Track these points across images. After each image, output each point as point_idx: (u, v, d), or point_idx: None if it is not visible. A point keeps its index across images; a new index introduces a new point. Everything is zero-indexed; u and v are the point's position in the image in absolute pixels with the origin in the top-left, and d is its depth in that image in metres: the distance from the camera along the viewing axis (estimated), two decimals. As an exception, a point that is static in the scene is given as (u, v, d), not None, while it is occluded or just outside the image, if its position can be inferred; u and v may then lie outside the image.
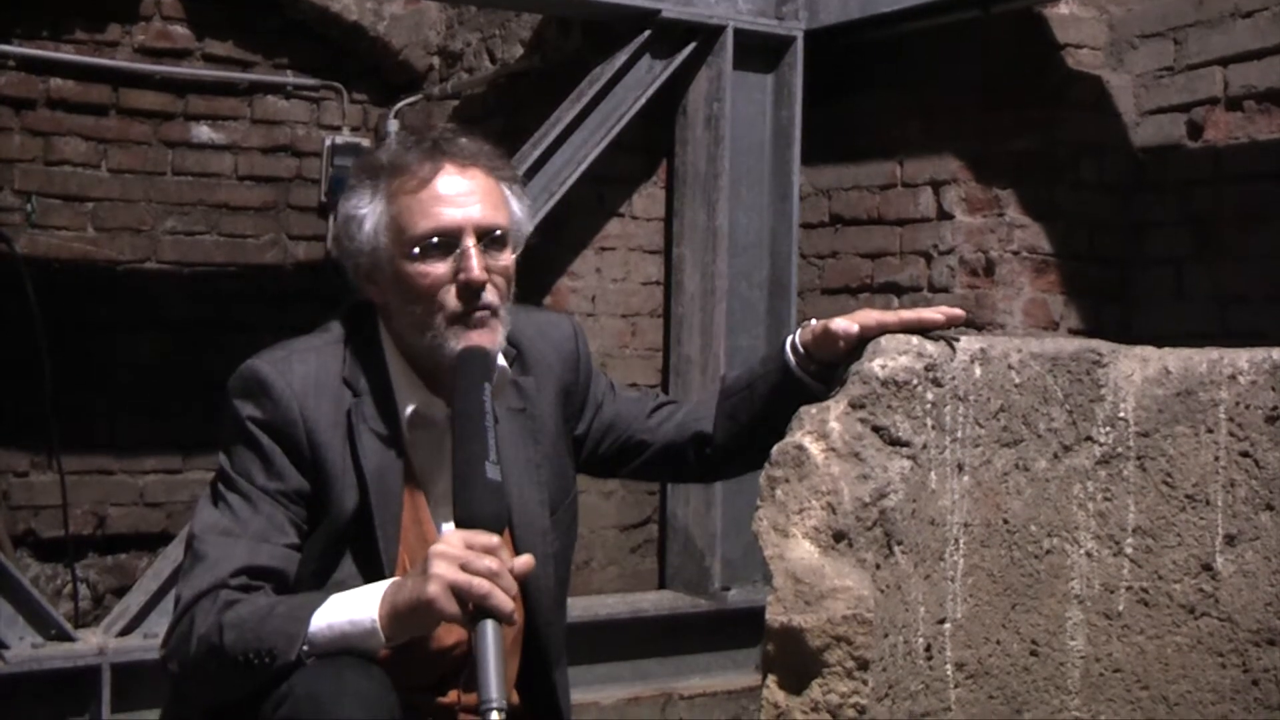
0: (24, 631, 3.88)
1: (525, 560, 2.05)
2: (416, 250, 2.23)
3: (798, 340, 2.38)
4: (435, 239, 2.23)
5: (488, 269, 2.24)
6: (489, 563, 1.95)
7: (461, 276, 2.22)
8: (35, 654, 3.86)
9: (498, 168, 2.33)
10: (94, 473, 5.81)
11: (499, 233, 2.27)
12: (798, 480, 2.05)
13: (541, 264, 4.95)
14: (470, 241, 2.23)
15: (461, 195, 2.25)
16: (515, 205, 2.34)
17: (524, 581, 2.25)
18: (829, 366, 2.32)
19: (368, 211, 2.27)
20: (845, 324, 2.24)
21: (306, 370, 2.25)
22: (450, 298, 2.23)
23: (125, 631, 4.01)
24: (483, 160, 2.30)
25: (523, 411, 2.39)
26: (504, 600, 1.94)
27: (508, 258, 2.30)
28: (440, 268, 2.23)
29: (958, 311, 2.21)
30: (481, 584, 1.93)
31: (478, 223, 2.24)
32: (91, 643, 3.95)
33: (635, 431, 2.57)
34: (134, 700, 3.90)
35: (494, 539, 1.99)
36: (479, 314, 2.24)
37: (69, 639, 3.93)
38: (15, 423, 5.50)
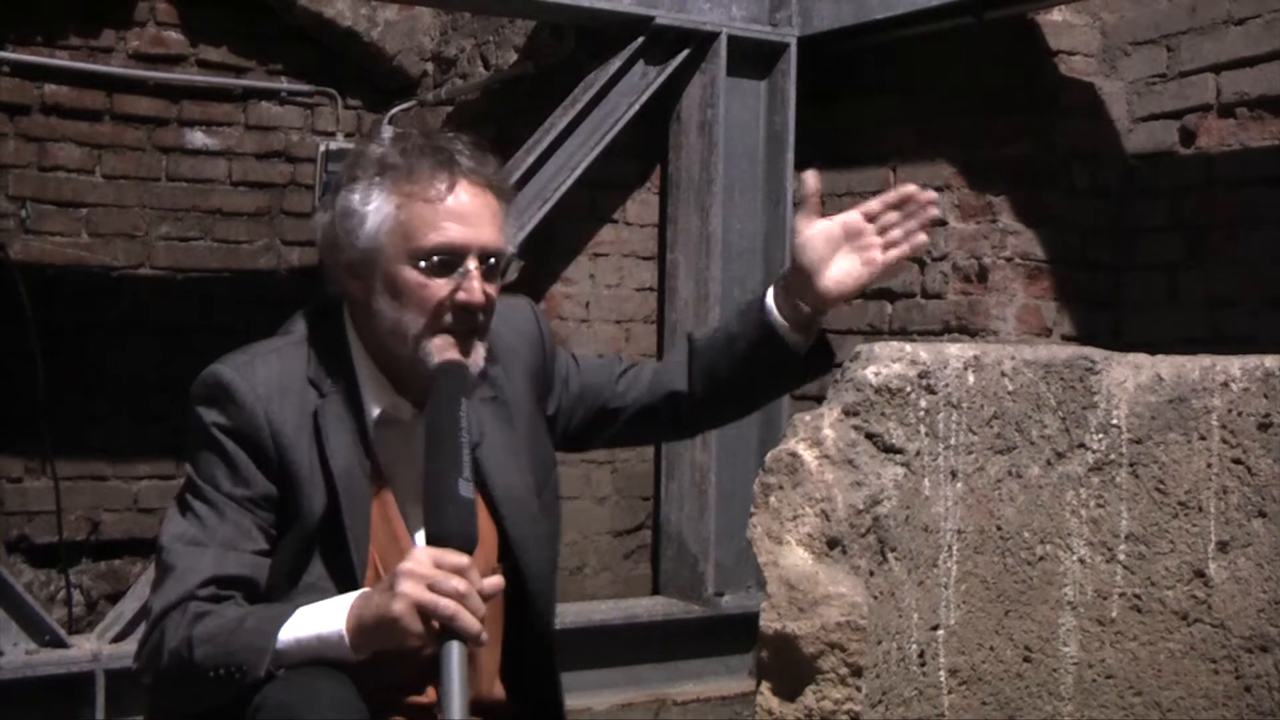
0: (18, 638, 3.87)
1: (494, 581, 2.04)
2: (421, 262, 2.22)
3: (770, 302, 2.41)
4: (442, 255, 2.22)
5: (484, 292, 2.24)
6: (457, 583, 1.94)
7: (461, 296, 2.21)
8: (29, 660, 3.86)
9: (502, 190, 2.33)
10: (88, 478, 5.80)
11: (498, 259, 2.27)
12: (791, 487, 2.06)
13: (535, 269, 4.95)
14: (474, 264, 2.23)
15: (472, 215, 2.24)
16: (509, 230, 2.34)
17: (520, 566, 2.30)
18: (810, 315, 2.37)
19: (371, 210, 2.25)
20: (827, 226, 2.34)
21: (270, 373, 2.24)
22: (445, 314, 2.23)
23: (119, 638, 4.01)
24: (493, 181, 2.30)
25: (495, 400, 2.38)
26: (470, 622, 1.93)
27: (498, 286, 2.30)
28: (440, 283, 2.22)
29: (931, 194, 2.24)
30: (448, 605, 1.93)
31: (484, 245, 2.24)
32: (85, 649, 3.95)
33: (605, 400, 2.56)
34: (128, 706, 3.89)
35: (464, 559, 1.98)
36: (469, 338, 2.24)
37: (63, 645, 3.93)
38: (9, 428, 5.49)
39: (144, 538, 5.86)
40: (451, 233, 2.22)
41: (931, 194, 2.31)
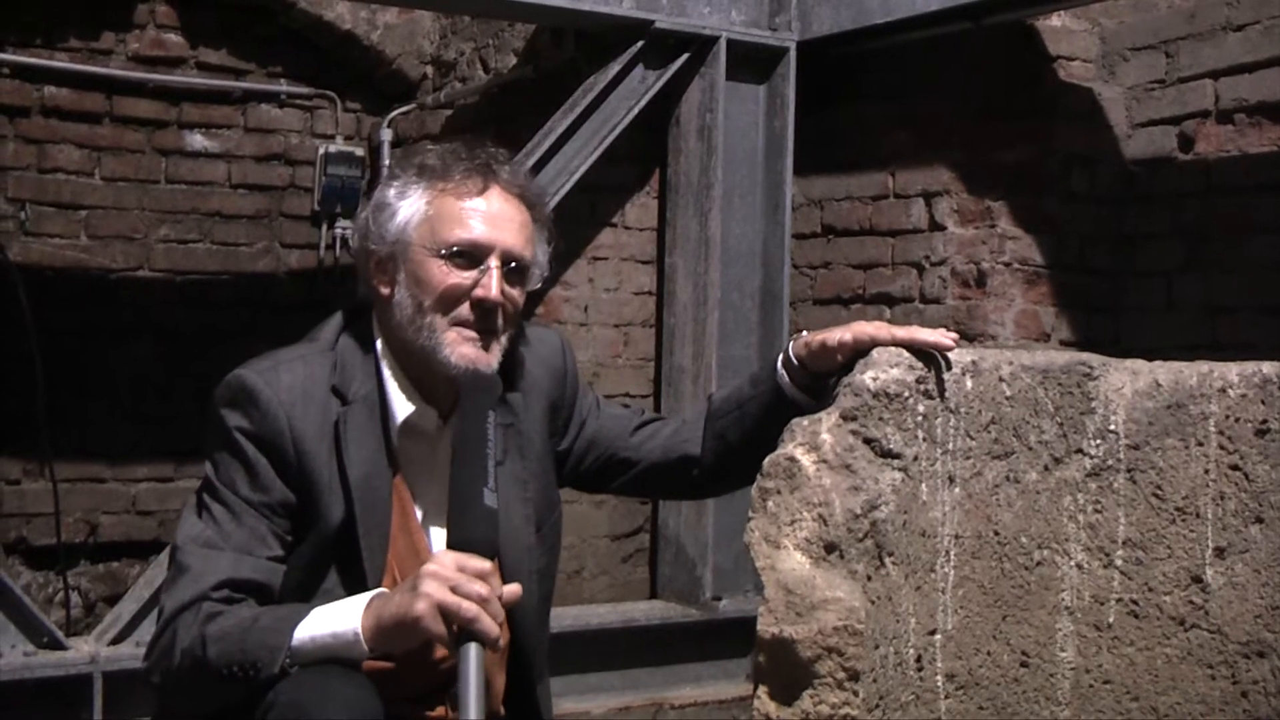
0: (15, 639, 3.87)
1: (514, 589, 2.07)
2: (444, 254, 2.25)
3: (790, 354, 2.39)
4: (465, 249, 2.26)
5: (503, 293, 2.26)
6: (479, 588, 1.97)
7: (478, 292, 2.25)
8: (27, 662, 3.86)
9: (536, 206, 2.37)
10: (86, 480, 5.80)
11: (520, 264, 2.30)
12: (789, 492, 2.06)
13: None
14: (495, 263, 2.26)
15: (500, 218, 2.28)
16: (540, 248, 2.37)
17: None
18: (822, 378, 2.33)
19: (403, 205, 2.29)
20: (841, 335, 2.25)
21: (294, 380, 2.26)
22: (463, 308, 2.26)
23: (117, 640, 4.00)
24: (527, 194, 2.35)
25: (510, 427, 2.39)
26: (490, 626, 1.96)
27: (521, 292, 2.33)
28: (461, 276, 2.25)
29: (948, 342, 2.21)
30: (470, 608, 1.95)
31: (507, 247, 2.28)
32: (83, 651, 3.94)
33: (618, 449, 2.57)
34: (125, 709, 3.89)
35: (486, 564, 2.01)
36: (485, 336, 2.26)
37: (61, 647, 3.93)
38: (8, 430, 5.49)
39: (142, 540, 5.87)
40: (477, 231, 2.26)
41: (949, 343, 2.27)
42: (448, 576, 1.97)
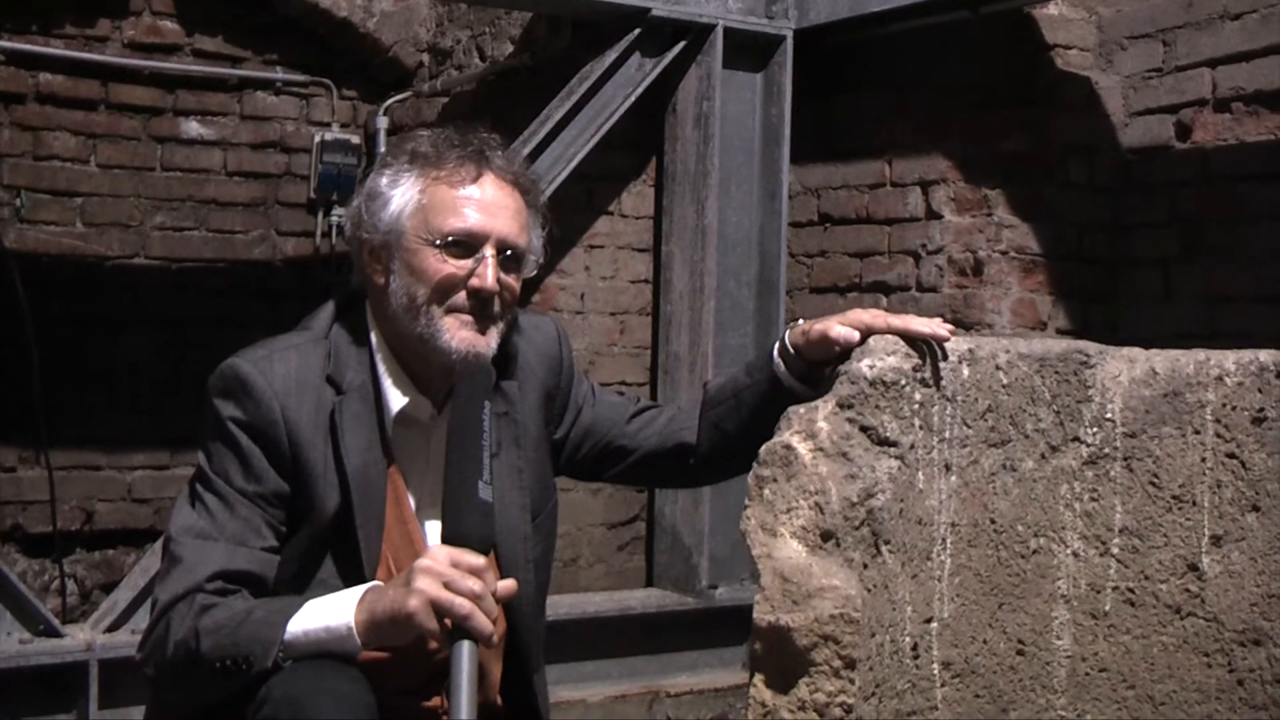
0: (11, 627, 3.87)
1: (508, 585, 2.06)
2: (439, 244, 2.25)
3: (788, 342, 2.38)
4: (460, 239, 2.25)
5: (498, 282, 2.26)
6: (473, 584, 1.96)
7: (474, 282, 2.24)
8: (22, 650, 3.86)
9: (529, 192, 2.36)
10: (82, 468, 5.78)
11: (515, 252, 2.30)
12: (786, 480, 2.06)
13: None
14: (490, 251, 2.25)
15: (495, 206, 2.28)
16: (534, 234, 2.36)
17: None
18: (818, 366, 2.33)
19: (396, 194, 2.28)
20: (847, 332, 2.24)
21: (288, 369, 2.25)
22: (459, 297, 2.25)
23: (113, 627, 4.01)
24: (520, 180, 2.34)
25: (505, 415, 2.38)
26: (484, 622, 1.95)
27: (517, 279, 2.32)
28: (456, 265, 2.25)
29: (943, 333, 2.20)
30: (463, 604, 1.94)
31: (502, 236, 2.27)
32: (79, 638, 3.95)
33: (614, 437, 2.56)
34: (121, 696, 3.90)
35: (480, 560, 2.00)
36: (480, 319, 2.26)
37: (56, 635, 3.93)
38: (3, 418, 5.48)
39: (138, 528, 5.86)
40: (471, 219, 2.26)
41: (944, 334, 2.25)
42: (441, 572, 1.97)
